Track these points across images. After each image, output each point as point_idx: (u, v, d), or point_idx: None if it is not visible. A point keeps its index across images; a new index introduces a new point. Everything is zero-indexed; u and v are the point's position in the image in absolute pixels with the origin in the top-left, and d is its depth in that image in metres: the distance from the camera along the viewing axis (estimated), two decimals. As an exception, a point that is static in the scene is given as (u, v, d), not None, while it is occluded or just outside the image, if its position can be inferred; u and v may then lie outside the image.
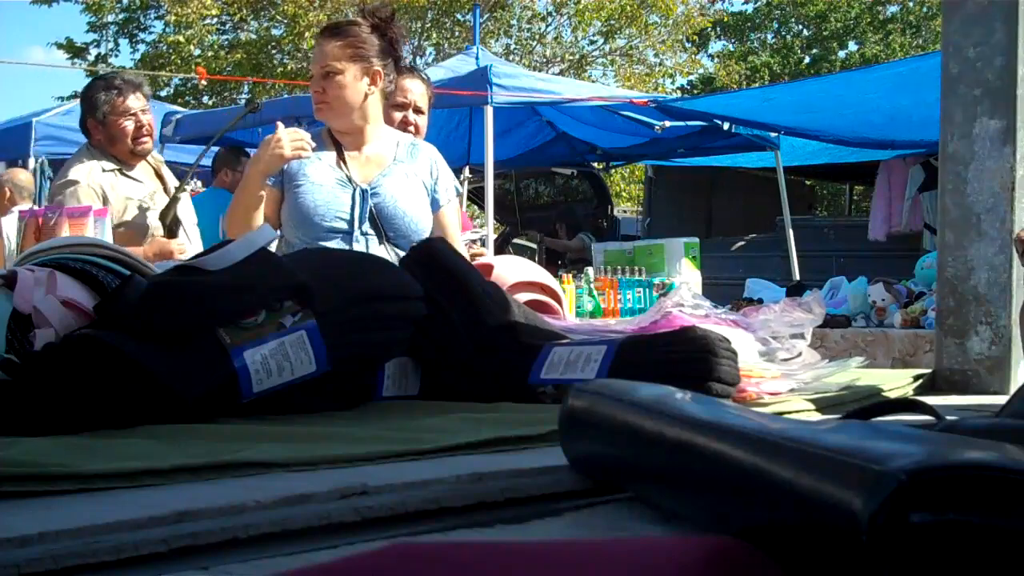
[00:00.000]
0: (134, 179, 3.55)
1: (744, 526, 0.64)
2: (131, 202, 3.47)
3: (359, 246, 2.62)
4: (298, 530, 0.79)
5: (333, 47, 2.69)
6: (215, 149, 7.16)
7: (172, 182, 3.74)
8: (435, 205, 2.79)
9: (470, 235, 3.23)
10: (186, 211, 3.64)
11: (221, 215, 4.84)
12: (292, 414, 1.41)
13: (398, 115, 3.24)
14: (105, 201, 3.40)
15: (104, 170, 3.48)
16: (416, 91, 3.31)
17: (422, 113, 3.33)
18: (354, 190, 2.66)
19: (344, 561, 0.51)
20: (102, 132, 3.53)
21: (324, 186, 2.67)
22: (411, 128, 3.22)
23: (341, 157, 2.73)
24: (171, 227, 3.44)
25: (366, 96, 2.72)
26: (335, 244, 2.63)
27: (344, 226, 2.64)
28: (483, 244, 3.32)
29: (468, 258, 2.90)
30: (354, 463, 1.03)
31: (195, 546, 0.74)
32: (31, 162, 8.88)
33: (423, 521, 0.84)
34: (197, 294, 1.39)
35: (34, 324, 1.42)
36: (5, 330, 1.41)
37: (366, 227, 2.66)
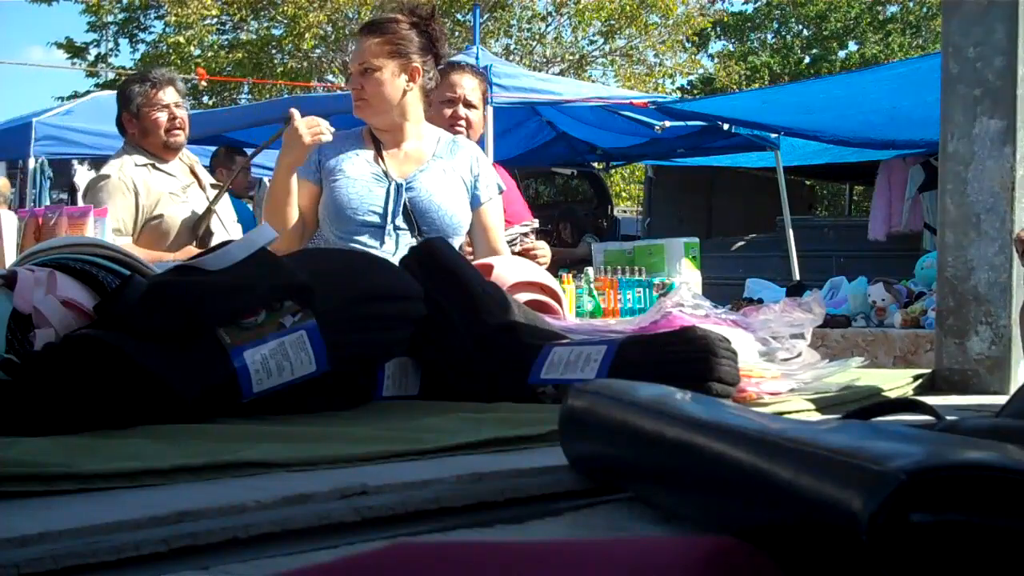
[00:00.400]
0: (168, 173, 3.56)
1: (744, 526, 0.64)
2: (164, 196, 3.48)
3: (391, 240, 2.61)
4: (298, 530, 0.79)
5: (372, 44, 2.69)
6: (212, 149, 7.17)
7: (207, 179, 3.77)
8: (476, 202, 2.78)
9: (518, 228, 3.15)
10: (225, 210, 3.66)
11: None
12: (292, 414, 1.41)
13: (447, 111, 3.23)
14: (136, 194, 3.43)
15: (137, 164, 3.51)
16: (467, 85, 3.31)
17: (474, 107, 3.31)
18: (389, 184, 2.66)
19: (344, 561, 0.51)
20: (136, 126, 3.57)
21: (359, 180, 2.67)
22: (462, 123, 3.22)
23: (379, 154, 2.73)
24: (203, 238, 3.41)
25: (404, 93, 2.72)
26: (367, 239, 2.62)
27: (377, 220, 2.63)
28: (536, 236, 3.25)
29: (521, 254, 2.92)
30: (354, 463, 1.03)
31: (195, 546, 0.74)
32: (31, 162, 8.89)
33: (423, 521, 0.84)
34: (197, 294, 1.39)
35: (34, 324, 1.42)
36: (5, 330, 1.41)
37: (399, 221, 2.65)
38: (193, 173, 3.70)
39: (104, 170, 3.54)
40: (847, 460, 0.56)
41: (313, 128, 2.60)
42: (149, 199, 3.44)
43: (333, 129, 2.66)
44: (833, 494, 0.55)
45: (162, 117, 3.54)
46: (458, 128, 3.21)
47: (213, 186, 3.75)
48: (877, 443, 0.58)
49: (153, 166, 3.55)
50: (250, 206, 9.66)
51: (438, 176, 2.72)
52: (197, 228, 3.43)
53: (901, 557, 0.52)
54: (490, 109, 6.56)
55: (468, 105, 3.27)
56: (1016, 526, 0.52)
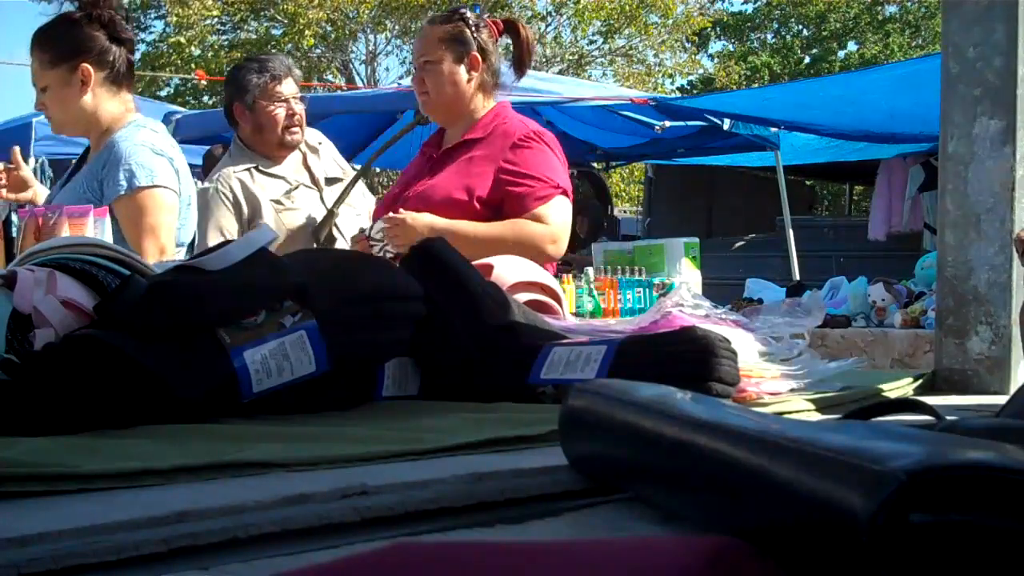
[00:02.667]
0: (274, 176, 3.32)
1: (744, 526, 0.64)
2: (264, 204, 3.25)
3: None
4: (298, 530, 0.79)
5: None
6: (205, 148, 7.15)
7: (321, 171, 3.42)
8: (106, 201, 2.68)
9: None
10: (347, 211, 3.25)
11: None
12: (292, 414, 1.41)
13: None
14: (237, 204, 3.24)
15: (236, 172, 3.30)
16: (418, 48, 2.91)
17: (432, 64, 2.86)
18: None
19: (344, 561, 0.51)
20: (249, 120, 3.35)
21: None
22: (423, 94, 2.87)
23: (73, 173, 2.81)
24: (326, 246, 3.09)
25: (81, 100, 2.75)
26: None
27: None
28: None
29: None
30: (354, 463, 1.03)
31: (195, 546, 0.74)
32: (31, 162, 8.89)
33: (423, 521, 0.84)
34: (197, 294, 1.39)
35: (34, 324, 1.42)
36: (5, 330, 1.41)
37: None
38: (306, 164, 3.38)
39: (207, 181, 3.37)
40: (847, 460, 0.56)
41: None
42: (249, 208, 3.23)
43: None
44: (832, 494, 0.55)
45: (280, 113, 3.29)
46: (421, 97, 2.92)
47: (329, 180, 3.39)
48: (877, 443, 0.58)
49: (257, 169, 3.28)
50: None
51: (71, 187, 2.70)
52: (318, 234, 3.14)
53: (901, 558, 0.52)
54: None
55: (422, 68, 2.89)
56: (1017, 527, 0.52)
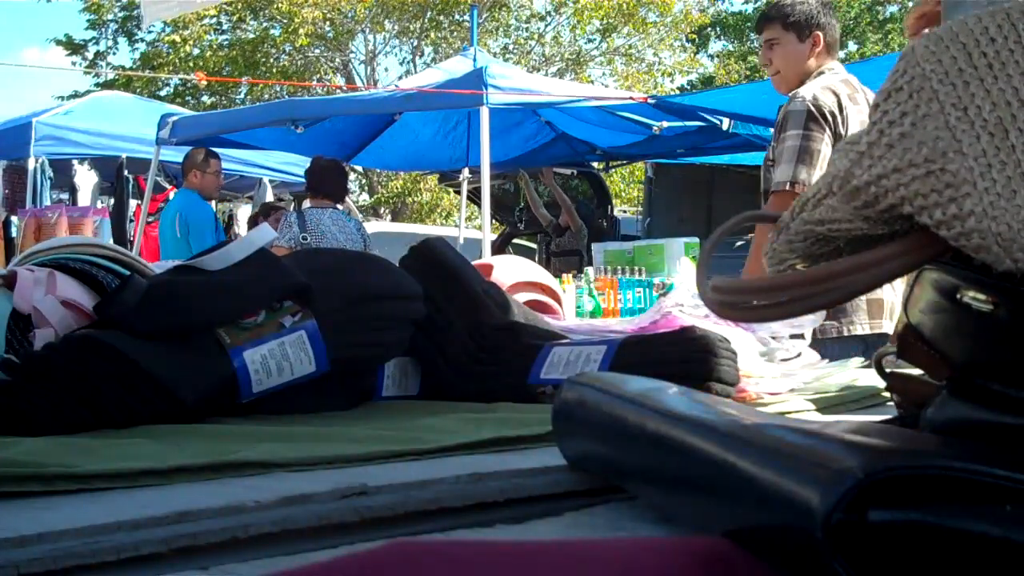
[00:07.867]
0: None
1: (722, 525, 0.63)
2: None
3: None
4: (298, 530, 0.79)
5: None
6: (187, 149, 7.13)
7: None
8: None
9: None
10: None
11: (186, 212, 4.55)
12: (292, 414, 1.41)
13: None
14: None
15: None
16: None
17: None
18: None
19: (344, 561, 0.51)
20: None
21: None
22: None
23: None
24: None
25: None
26: None
27: None
28: None
29: None
30: (354, 463, 1.03)
31: (195, 546, 0.74)
32: (31, 162, 8.89)
33: (423, 521, 0.84)
34: (197, 294, 1.39)
35: (34, 324, 1.42)
36: (5, 330, 1.41)
37: None
38: None
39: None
40: (809, 458, 0.56)
41: None
42: None
43: None
44: (795, 492, 0.54)
45: None
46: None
47: None
48: (843, 441, 0.57)
49: None
50: (235, 205, 9.59)
51: None
52: None
53: (859, 556, 0.51)
54: (485, 110, 6.55)
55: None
56: (978, 529, 0.51)
